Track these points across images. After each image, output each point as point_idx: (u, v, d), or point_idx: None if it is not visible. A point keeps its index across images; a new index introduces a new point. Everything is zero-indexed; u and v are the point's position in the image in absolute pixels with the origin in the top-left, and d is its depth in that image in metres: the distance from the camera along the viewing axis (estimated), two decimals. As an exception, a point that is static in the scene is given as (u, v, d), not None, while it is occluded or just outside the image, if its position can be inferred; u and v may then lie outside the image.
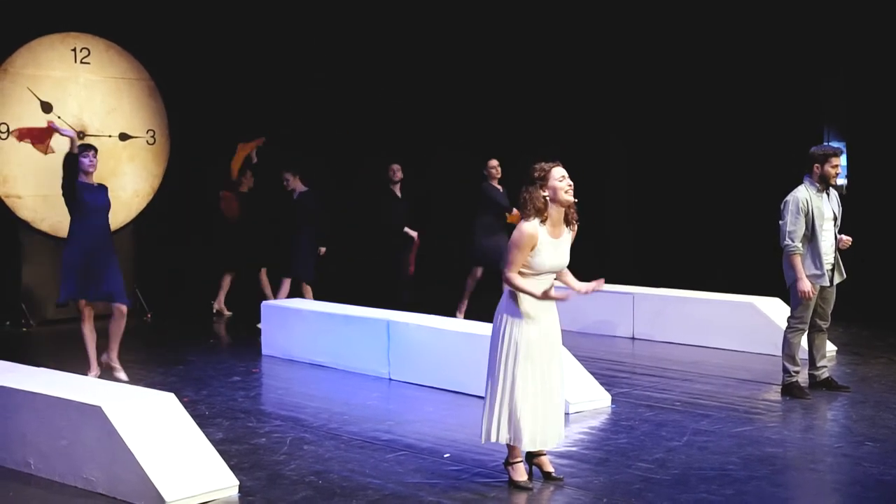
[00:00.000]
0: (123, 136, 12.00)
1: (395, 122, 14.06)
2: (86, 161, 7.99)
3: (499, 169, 10.95)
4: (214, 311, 11.98)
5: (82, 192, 7.98)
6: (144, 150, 12.19)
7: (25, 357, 8.15)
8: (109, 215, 8.19)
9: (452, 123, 14.39)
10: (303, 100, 13.66)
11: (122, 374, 8.20)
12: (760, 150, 12.79)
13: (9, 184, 11.15)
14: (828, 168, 7.36)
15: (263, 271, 12.00)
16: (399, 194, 11.81)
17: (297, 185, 10.91)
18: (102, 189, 8.18)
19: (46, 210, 11.32)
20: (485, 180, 10.93)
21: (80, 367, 8.04)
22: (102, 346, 8.27)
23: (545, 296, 5.27)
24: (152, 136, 12.25)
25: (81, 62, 11.65)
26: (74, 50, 11.61)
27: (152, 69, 12.18)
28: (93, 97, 11.77)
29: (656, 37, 13.54)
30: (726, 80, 13.14)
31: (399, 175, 11.78)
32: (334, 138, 13.89)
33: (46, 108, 11.36)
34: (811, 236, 7.34)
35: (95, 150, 8.15)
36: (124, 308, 8.14)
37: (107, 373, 8.18)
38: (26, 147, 11.23)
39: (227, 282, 11.99)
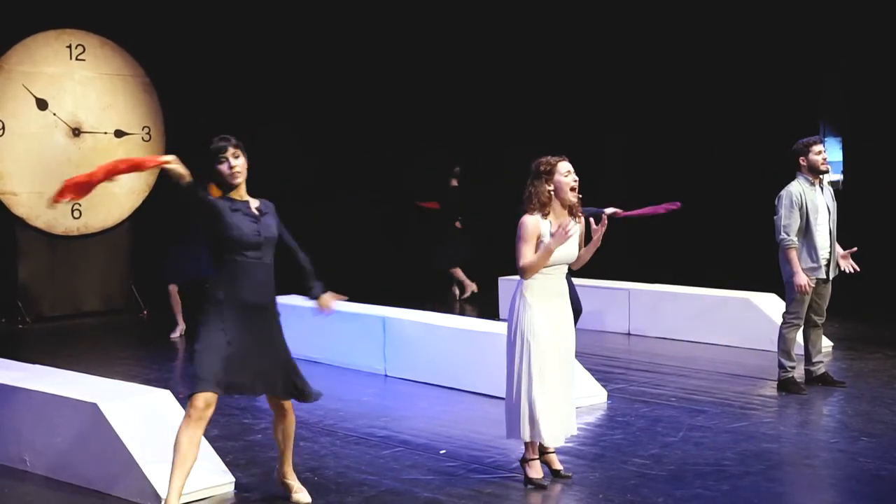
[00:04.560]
0: (119, 133, 11.98)
1: (393, 120, 14.04)
2: (224, 168, 4.84)
3: None
4: (467, 295, 12.58)
5: (226, 217, 4.78)
6: (140, 147, 12.16)
7: (21, 354, 8.13)
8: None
9: (451, 122, 14.38)
10: (298, 96, 13.64)
11: (302, 496, 5.19)
12: (756, 145, 12.79)
13: (4, 180, 11.13)
14: (812, 157, 7.36)
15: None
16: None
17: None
18: (266, 208, 4.95)
19: (41, 207, 11.30)
20: None
21: (76, 364, 7.83)
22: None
23: (561, 235, 5.25)
24: (147, 133, 12.23)
25: (76, 59, 11.63)
26: (69, 47, 11.58)
27: (147, 66, 12.15)
28: (88, 94, 11.74)
29: (653, 31, 13.54)
30: (723, 76, 13.15)
31: None
32: (330, 135, 13.87)
33: (42, 105, 11.34)
34: (805, 230, 7.33)
35: (235, 143, 4.89)
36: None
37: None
38: (21, 143, 11.19)
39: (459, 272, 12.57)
